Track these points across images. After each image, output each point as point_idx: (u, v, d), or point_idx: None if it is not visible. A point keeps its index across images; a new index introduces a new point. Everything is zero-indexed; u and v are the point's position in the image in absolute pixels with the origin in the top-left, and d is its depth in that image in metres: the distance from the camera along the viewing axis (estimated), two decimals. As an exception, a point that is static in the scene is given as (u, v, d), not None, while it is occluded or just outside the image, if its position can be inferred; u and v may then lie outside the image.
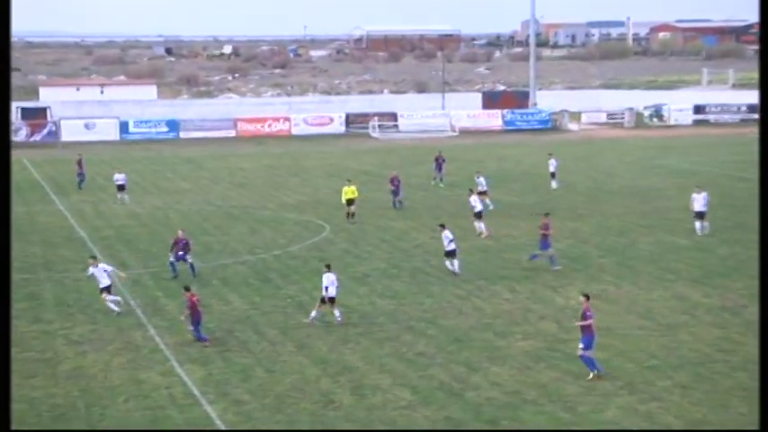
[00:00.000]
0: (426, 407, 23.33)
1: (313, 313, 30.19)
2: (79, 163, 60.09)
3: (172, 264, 36.16)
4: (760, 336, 23.74)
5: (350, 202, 47.82)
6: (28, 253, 40.73)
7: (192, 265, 36.28)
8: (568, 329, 27.86)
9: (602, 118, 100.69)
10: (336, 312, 30.04)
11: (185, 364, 26.36)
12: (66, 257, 39.95)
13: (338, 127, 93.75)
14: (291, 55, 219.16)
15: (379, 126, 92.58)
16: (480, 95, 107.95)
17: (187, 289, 28.57)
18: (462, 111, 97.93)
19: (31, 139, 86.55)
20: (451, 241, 35.87)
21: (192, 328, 27.90)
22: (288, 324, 30.03)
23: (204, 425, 22.51)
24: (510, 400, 23.55)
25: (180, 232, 37.15)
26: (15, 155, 77.89)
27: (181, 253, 35.97)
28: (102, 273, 31.41)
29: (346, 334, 29.04)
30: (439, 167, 59.76)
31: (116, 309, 31.14)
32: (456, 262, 36.03)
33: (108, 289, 31.34)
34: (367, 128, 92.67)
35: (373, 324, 30.13)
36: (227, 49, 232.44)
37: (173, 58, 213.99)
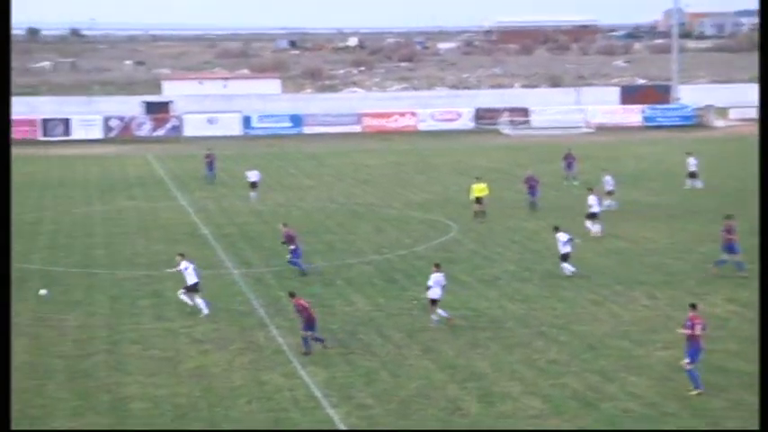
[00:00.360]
0: (558, 416, 23.15)
1: (433, 317, 30.30)
2: (208, 157, 61.81)
3: (294, 263, 36.84)
4: (760, 335, 23.47)
5: (479, 200, 47.88)
6: (151, 250, 41.93)
7: (291, 262, 36.91)
8: (713, 339, 27.20)
9: (752, 114, 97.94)
10: (441, 312, 30.15)
11: (308, 366, 26.75)
12: (188, 255, 40.88)
13: (466, 122, 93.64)
14: (418, 47, 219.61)
15: (510, 122, 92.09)
16: (618, 90, 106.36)
17: (292, 295, 28.69)
18: (598, 106, 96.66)
19: (155, 134, 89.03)
20: (567, 243, 35.87)
21: (304, 331, 27.81)
22: (414, 327, 30.17)
23: (327, 429, 22.82)
24: (648, 413, 23.18)
25: (281, 226, 37.98)
26: (139, 149, 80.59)
27: (293, 248, 36.73)
28: (186, 270, 32.02)
29: (475, 338, 29.05)
30: (569, 166, 59.39)
31: (190, 302, 31.72)
32: (566, 265, 36.03)
33: (194, 288, 31.82)
34: (497, 123, 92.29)
35: (503, 329, 30.05)
36: (353, 42, 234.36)
37: (297, 51, 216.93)
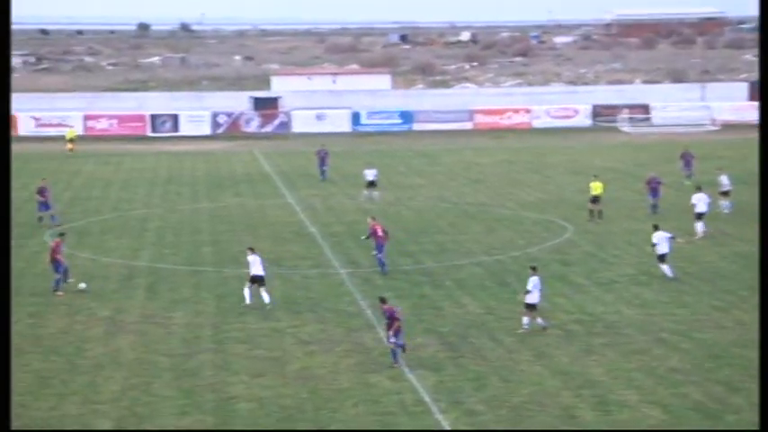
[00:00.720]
0: (679, 428, 22.78)
1: (525, 319, 30.07)
2: (319, 153, 62.55)
3: (379, 259, 37.71)
4: (760, 336, 23.08)
5: (595, 199, 47.53)
6: (258, 247, 42.28)
7: (380, 260, 37.54)
8: None
9: None
10: (539, 320, 29.98)
11: (416, 369, 26.82)
12: (295, 253, 41.46)
13: (583, 120, 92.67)
14: (534, 42, 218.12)
15: (630, 119, 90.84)
16: (747, 85, 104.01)
17: (383, 300, 28.30)
18: (725, 103, 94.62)
19: (263, 130, 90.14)
20: (661, 243, 35.88)
21: (393, 340, 27.20)
22: (526, 331, 29.98)
23: (435, 434, 22.87)
24: (775, 426, 22.61)
25: (369, 219, 38.68)
26: (247, 145, 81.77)
27: (372, 242, 37.46)
28: (255, 263, 33.01)
29: (590, 344, 28.77)
30: (687, 164, 58.63)
31: (249, 301, 32.73)
32: (666, 266, 35.90)
33: (259, 280, 32.71)
34: (615, 121, 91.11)
35: (620, 335, 29.69)
36: (465, 36, 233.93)
37: (407, 46, 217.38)
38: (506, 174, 64.35)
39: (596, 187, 47.81)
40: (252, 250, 33.74)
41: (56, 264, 34.86)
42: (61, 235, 37.25)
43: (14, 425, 23.34)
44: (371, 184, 54.68)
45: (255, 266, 32.98)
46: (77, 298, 34.19)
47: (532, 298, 30.02)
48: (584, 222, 46.87)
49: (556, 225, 46.84)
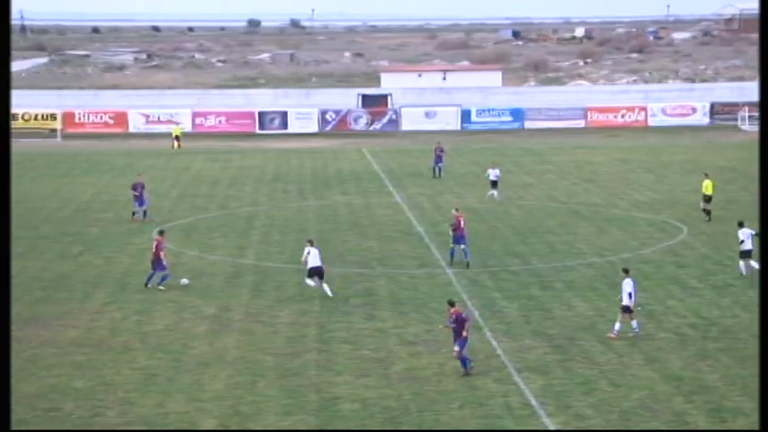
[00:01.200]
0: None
1: (634, 323, 29.60)
2: (436, 150, 62.76)
3: (452, 250, 38.47)
4: (760, 334, 22.69)
5: (707, 198, 46.91)
6: (364, 247, 42.76)
7: (464, 252, 38.22)
8: None
9: None
10: (618, 325, 29.62)
11: (523, 371, 26.70)
12: (402, 253, 41.58)
13: (701, 118, 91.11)
14: (651, 37, 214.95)
15: (750, 117, 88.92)
16: None
17: (451, 304, 27.83)
18: None
19: (371, 128, 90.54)
20: (743, 242, 35.91)
21: (457, 348, 26.72)
22: (636, 334, 29.61)
23: (541, 439, 22.73)
24: None
25: (453, 211, 39.57)
26: (355, 143, 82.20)
27: (458, 236, 38.06)
28: (313, 256, 34.07)
29: (704, 349, 28.30)
30: None
31: (313, 285, 34.08)
32: (752, 262, 35.64)
33: (315, 272, 33.84)
34: (735, 119, 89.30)
35: (736, 340, 29.15)
36: (580, 32, 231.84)
37: (520, 42, 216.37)
38: (619, 173, 63.59)
39: (707, 186, 47.09)
40: (311, 243, 34.76)
41: (156, 260, 35.65)
42: (161, 232, 37.92)
43: (119, 421, 23.88)
44: (494, 184, 54.52)
45: (314, 259, 34.05)
46: (184, 295, 34.83)
47: (627, 300, 29.62)
48: (699, 223, 46.10)
49: (670, 226, 46.14)
